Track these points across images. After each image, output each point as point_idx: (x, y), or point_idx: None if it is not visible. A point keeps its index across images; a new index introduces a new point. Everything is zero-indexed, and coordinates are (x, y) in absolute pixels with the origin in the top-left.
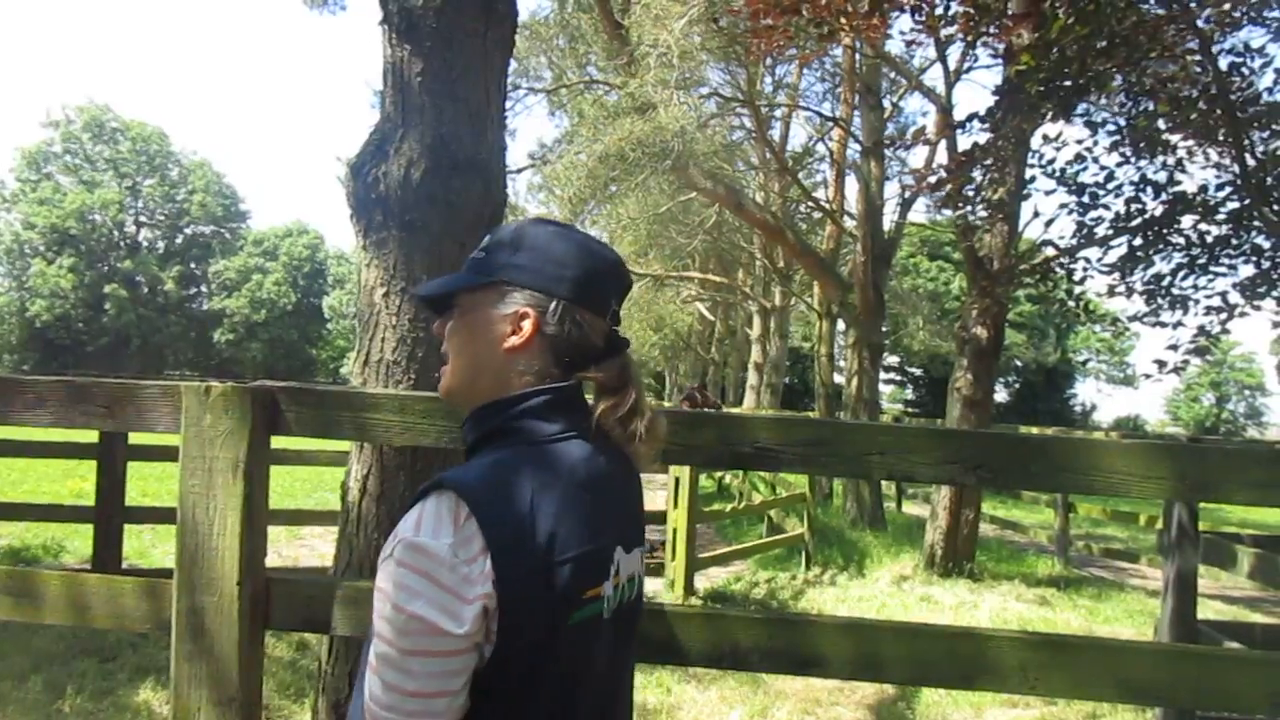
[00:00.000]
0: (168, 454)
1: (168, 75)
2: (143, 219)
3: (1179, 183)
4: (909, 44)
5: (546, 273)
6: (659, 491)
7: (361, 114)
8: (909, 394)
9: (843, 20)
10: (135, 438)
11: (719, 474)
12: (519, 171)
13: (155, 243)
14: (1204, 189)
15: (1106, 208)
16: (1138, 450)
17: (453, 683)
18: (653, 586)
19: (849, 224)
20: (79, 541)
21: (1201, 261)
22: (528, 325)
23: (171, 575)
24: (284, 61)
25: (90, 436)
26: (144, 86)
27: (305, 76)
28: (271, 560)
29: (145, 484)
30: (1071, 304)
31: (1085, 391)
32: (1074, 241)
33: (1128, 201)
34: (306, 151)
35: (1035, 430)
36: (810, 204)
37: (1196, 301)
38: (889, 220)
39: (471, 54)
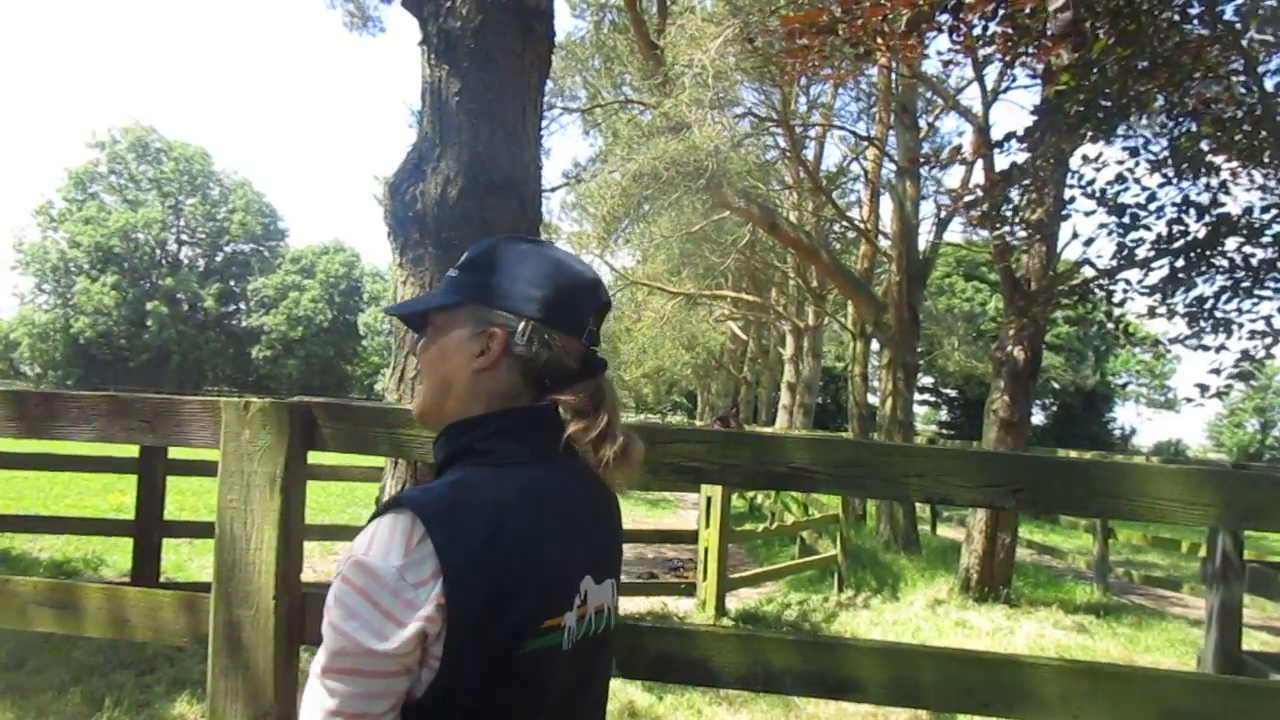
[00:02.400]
0: (205, 469)
1: (210, 96)
2: (184, 237)
3: (1223, 204)
4: (946, 64)
5: (516, 293)
6: (689, 511)
7: (398, 134)
8: (943, 415)
9: (879, 40)
10: (174, 452)
11: (750, 493)
12: (553, 190)
13: (196, 260)
14: (1249, 211)
15: (1148, 229)
16: (1183, 476)
17: (375, 705)
18: (684, 606)
19: (884, 243)
20: (118, 555)
21: (1246, 285)
22: (495, 346)
23: (209, 589)
24: (323, 82)
25: (131, 451)
26: (187, 107)
27: (344, 97)
28: (305, 575)
29: (183, 498)
30: (1111, 326)
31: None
32: (1114, 263)
33: (1170, 223)
34: (344, 170)
35: (1073, 454)
36: (845, 223)
37: (1240, 325)
38: (924, 240)
39: (509, 74)
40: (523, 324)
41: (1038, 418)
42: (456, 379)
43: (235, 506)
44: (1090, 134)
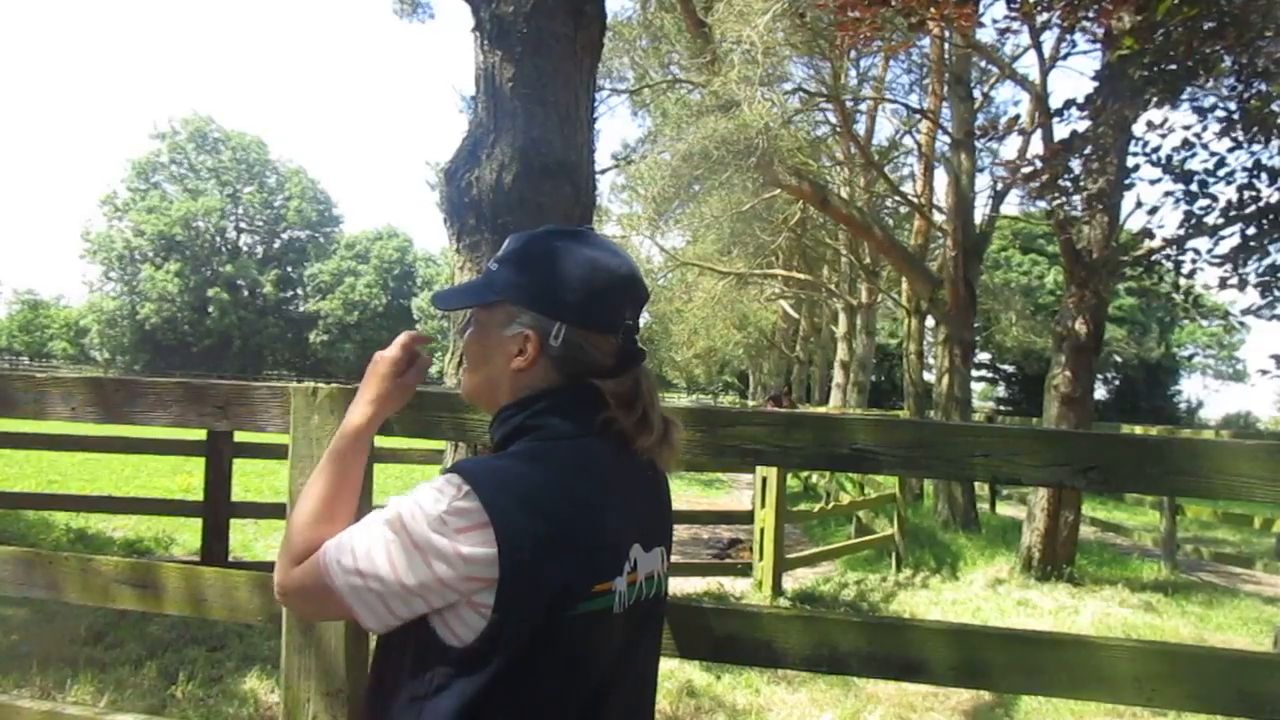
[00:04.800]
0: (268, 451)
1: (265, 85)
2: (243, 225)
3: None
4: (1002, 32)
5: (549, 295)
6: (745, 491)
7: (449, 119)
8: (1001, 391)
9: (932, 10)
10: (239, 435)
11: (805, 473)
12: (603, 172)
13: (254, 247)
14: None
15: (1216, 197)
16: (1264, 452)
17: (396, 610)
18: (740, 586)
19: (938, 218)
20: (188, 534)
21: None
22: (531, 349)
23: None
24: (374, 69)
25: (198, 435)
26: (243, 96)
27: (394, 83)
28: None
29: (247, 480)
30: (1178, 297)
31: (1190, 388)
32: (1181, 232)
33: (1240, 189)
34: (396, 156)
35: (1139, 429)
36: (898, 198)
37: None
38: (980, 213)
39: (561, 58)
40: (556, 327)
41: (1100, 392)
42: (499, 376)
43: None
44: (1155, 99)
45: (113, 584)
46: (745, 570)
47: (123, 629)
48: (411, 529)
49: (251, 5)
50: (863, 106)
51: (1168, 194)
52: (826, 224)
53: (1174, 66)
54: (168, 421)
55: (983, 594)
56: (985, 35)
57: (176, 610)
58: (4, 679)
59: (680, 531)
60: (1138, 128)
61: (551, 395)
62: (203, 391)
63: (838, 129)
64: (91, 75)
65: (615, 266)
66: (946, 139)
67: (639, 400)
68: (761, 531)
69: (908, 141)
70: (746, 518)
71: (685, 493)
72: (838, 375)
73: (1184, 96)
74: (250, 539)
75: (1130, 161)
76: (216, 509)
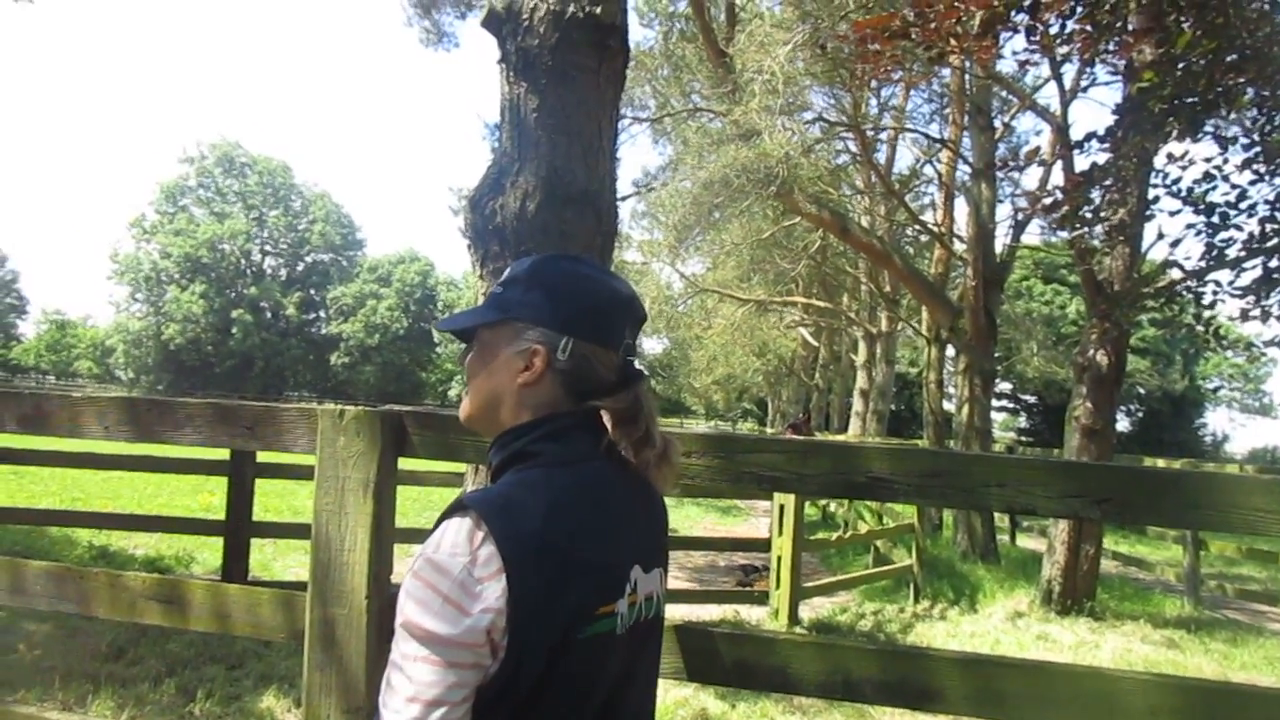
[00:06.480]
0: (289, 472)
1: (291, 110)
2: (267, 248)
3: None
4: (1022, 65)
5: (556, 311)
6: (761, 519)
7: (472, 145)
8: (1022, 422)
9: (953, 43)
10: (260, 455)
11: (823, 501)
12: (624, 199)
13: (278, 270)
14: None
15: (1239, 228)
16: (1278, 486)
17: (450, 694)
18: (756, 615)
19: (959, 247)
20: (207, 553)
21: None
22: (538, 362)
23: (296, 587)
24: (399, 96)
25: (220, 454)
26: (269, 121)
27: (418, 110)
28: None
29: (266, 499)
30: (1200, 329)
31: (1216, 421)
32: (1203, 263)
33: (1262, 221)
34: (419, 181)
35: (1161, 462)
36: (918, 227)
37: None
38: (1001, 242)
39: (585, 89)
40: (564, 340)
41: (1122, 424)
42: (504, 392)
43: (330, 509)
44: (1176, 131)
45: (140, 599)
46: (762, 599)
47: (143, 645)
48: (437, 632)
49: (278, 34)
50: (883, 136)
51: (1189, 226)
52: (846, 252)
53: (1195, 99)
54: (198, 441)
55: (1001, 627)
56: (1006, 66)
57: (202, 626)
58: (27, 693)
59: (696, 559)
60: (1159, 160)
61: (549, 422)
62: (233, 412)
63: (858, 158)
64: (123, 101)
65: (616, 286)
66: (967, 168)
67: (641, 416)
68: (779, 560)
69: (928, 170)
70: (763, 545)
71: (702, 520)
72: (857, 403)
73: (1205, 129)
74: (269, 558)
75: (1151, 193)
76: (238, 528)
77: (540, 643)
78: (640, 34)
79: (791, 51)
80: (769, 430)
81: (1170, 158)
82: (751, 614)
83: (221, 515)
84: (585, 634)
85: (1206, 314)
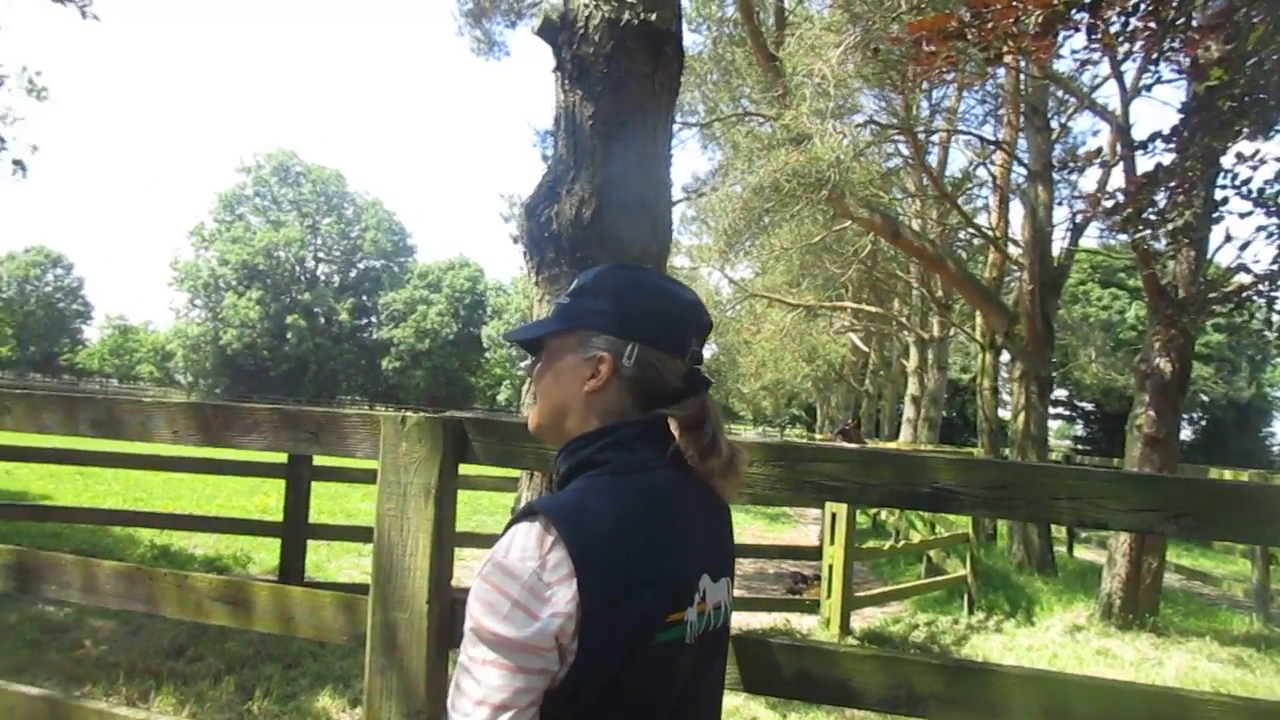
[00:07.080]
0: (344, 475)
1: (344, 119)
2: (321, 255)
3: None
4: (1081, 64)
5: (623, 318)
6: (811, 526)
7: (521, 151)
8: (1079, 430)
9: (1010, 44)
10: (316, 459)
11: (873, 509)
12: (674, 204)
13: (331, 276)
14: None
15: None
16: None
17: (520, 699)
18: (807, 624)
19: (1014, 251)
20: (264, 554)
21: None
22: (605, 369)
23: (352, 589)
24: (449, 104)
25: (278, 457)
26: (323, 130)
27: (468, 117)
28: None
29: (320, 502)
30: (1270, 335)
31: None
32: (1274, 267)
33: None
34: (470, 188)
35: (1228, 473)
36: (971, 231)
37: None
38: (1058, 246)
39: (640, 96)
40: (630, 347)
41: (1185, 433)
42: (571, 399)
43: (392, 514)
44: (1246, 130)
45: (206, 600)
46: (812, 607)
47: (203, 644)
48: (506, 635)
49: (332, 45)
50: (935, 138)
51: (1260, 229)
52: (897, 256)
53: (1266, 96)
54: (263, 445)
55: (1060, 640)
56: (1063, 65)
57: (265, 627)
58: (94, 687)
59: (745, 566)
60: (1227, 159)
61: (617, 430)
62: (297, 417)
63: (910, 161)
64: (185, 113)
65: (682, 295)
66: (1022, 170)
67: (706, 423)
68: (830, 568)
69: (981, 173)
70: (814, 553)
71: (750, 526)
72: (908, 410)
73: (1278, 126)
74: (323, 560)
75: (1219, 194)
76: (296, 529)
77: (609, 648)
78: (689, 39)
79: (842, 54)
80: (817, 436)
81: (1240, 157)
82: (802, 623)
83: (276, 517)
84: (655, 641)
85: (1277, 319)
